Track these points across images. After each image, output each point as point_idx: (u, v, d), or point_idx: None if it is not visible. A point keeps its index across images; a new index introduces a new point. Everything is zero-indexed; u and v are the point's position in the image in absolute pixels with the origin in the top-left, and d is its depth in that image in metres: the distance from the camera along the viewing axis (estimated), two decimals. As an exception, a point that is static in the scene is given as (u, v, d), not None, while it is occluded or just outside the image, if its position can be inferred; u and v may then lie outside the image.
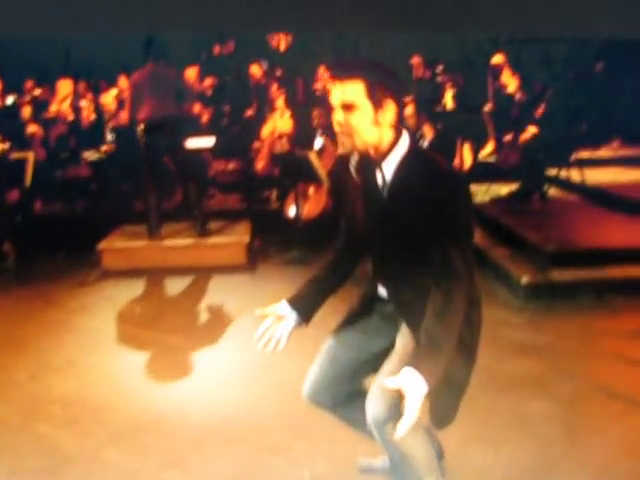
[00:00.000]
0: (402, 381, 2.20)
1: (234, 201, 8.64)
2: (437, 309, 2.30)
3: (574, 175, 8.13)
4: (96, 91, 9.96)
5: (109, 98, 9.43)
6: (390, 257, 2.51)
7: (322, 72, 9.98)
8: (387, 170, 2.43)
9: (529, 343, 4.80)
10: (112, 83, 9.98)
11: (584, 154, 8.54)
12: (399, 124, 2.41)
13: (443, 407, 2.51)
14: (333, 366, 2.73)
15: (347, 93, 2.32)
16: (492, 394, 4.04)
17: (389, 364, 2.53)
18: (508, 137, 8.25)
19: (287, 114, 8.81)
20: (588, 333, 4.94)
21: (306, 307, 2.70)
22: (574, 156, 8.12)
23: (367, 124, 2.34)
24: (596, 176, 8.15)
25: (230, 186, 8.88)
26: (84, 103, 9.35)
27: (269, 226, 7.71)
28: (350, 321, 2.76)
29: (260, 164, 8.70)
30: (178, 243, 7.07)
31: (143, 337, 5.20)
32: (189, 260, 6.93)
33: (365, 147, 2.39)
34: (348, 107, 2.33)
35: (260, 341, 2.64)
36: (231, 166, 9.02)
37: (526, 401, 3.98)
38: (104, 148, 8.46)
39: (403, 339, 2.56)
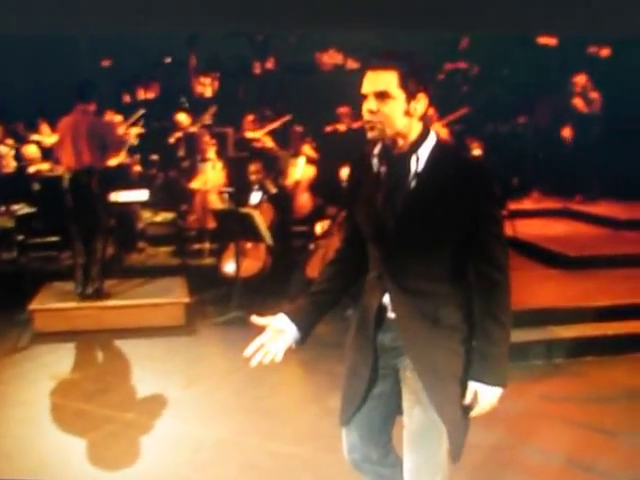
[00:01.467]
0: (477, 399, 2.46)
1: (165, 255, 8.53)
2: (491, 305, 2.44)
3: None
4: (17, 137, 9.65)
5: (31, 146, 9.16)
6: (407, 249, 2.48)
7: (249, 121, 9.99)
8: (420, 159, 2.47)
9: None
10: (33, 128, 9.71)
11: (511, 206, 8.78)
12: (427, 117, 2.51)
13: (461, 438, 2.56)
14: (369, 420, 2.70)
15: (381, 82, 2.40)
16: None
17: (413, 408, 2.54)
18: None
19: (219, 166, 8.78)
20: (530, 395, 5.07)
21: (306, 322, 2.65)
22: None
23: (399, 113, 2.42)
24: (523, 229, 8.37)
25: (160, 239, 8.75)
26: (3, 149, 9.05)
27: (205, 283, 7.59)
28: (359, 361, 2.66)
29: (192, 217, 8.60)
30: (114, 303, 6.90)
31: (90, 413, 5.03)
32: (126, 321, 6.73)
33: (395, 136, 2.45)
34: (382, 96, 2.40)
35: (255, 355, 2.57)
36: (160, 218, 8.94)
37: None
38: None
39: (411, 373, 2.54)
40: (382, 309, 2.57)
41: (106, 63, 12.15)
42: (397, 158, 2.49)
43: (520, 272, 6.71)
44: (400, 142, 2.47)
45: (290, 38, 11.82)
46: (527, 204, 9.71)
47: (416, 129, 2.48)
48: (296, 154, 8.93)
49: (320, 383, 5.45)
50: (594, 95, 9.65)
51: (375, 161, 2.55)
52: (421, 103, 2.45)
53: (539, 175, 10.02)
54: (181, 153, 9.57)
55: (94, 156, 6.75)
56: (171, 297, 6.98)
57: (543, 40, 10.78)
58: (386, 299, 2.55)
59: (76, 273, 6.93)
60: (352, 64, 11.66)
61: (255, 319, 2.64)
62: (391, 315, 2.56)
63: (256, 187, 7.68)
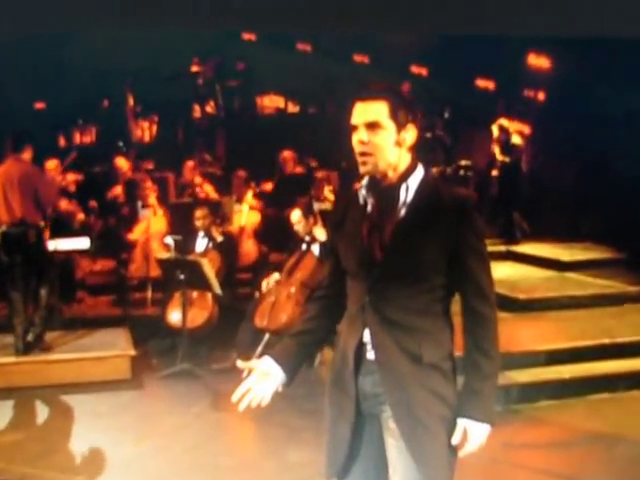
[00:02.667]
0: (467, 437, 2.45)
1: (105, 305, 8.39)
2: (481, 340, 2.48)
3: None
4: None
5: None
6: (393, 279, 2.47)
7: (190, 167, 9.93)
8: (409, 190, 2.49)
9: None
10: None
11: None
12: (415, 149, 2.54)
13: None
14: (362, 471, 2.61)
15: (372, 113, 2.45)
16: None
17: (397, 458, 2.49)
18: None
19: (160, 212, 8.69)
20: (490, 442, 5.07)
21: (291, 364, 2.62)
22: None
23: (390, 144, 2.46)
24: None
25: (100, 288, 8.60)
26: None
27: (149, 333, 7.45)
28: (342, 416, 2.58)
29: (133, 265, 8.47)
30: (56, 357, 6.68)
31: (36, 478, 4.83)
32: (69, 376, 6.52)
33: (386, 168, 2.48)
34: (372, 126, 2.44)
35: (242, 401, 2.53)
36: (100, 267, 8.78)
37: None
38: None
39: (392, 422, 2.48)
40: (361, 348, 2.52)
41: (39, 105, 11.96)
42: (386, 189, 2.52)
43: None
44: (390, 173, 2.50)
45: (230, 81, 11.79)
46: None
47: (405, 160, 2.52)
48: (239, 200, 8.90)
49: (277, 437, 5.37)
50: (516, 141, 9.75)
51: (362, 193, 2.56)
52: (410, 133, 2.50)
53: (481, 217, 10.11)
54: (120, 199, 9.48)
55: (28, 208, 6.60)
56: (116, 349, 6.81)
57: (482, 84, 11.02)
58: (366, 335, 2.51)
59: (15, 328, 6.70)
60: (293, 107, 11.66)
61: (240, 364, 2.63)
62: (370, 355, 2.51)
63: (201, 234, 7.57)
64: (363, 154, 2.47)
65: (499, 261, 8.92)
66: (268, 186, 9.55)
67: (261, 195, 9.17)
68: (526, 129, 9.78)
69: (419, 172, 2.53)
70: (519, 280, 8.25)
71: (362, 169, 2.50)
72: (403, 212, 2.49)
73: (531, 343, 6.42)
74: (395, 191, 2.50)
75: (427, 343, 2.47)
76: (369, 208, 2.54)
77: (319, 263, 6.63)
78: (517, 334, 6.65)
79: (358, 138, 2.47)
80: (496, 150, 9.66)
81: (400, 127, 2.47)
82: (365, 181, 2.56)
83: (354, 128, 2.48)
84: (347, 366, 2.54)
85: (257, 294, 7.09)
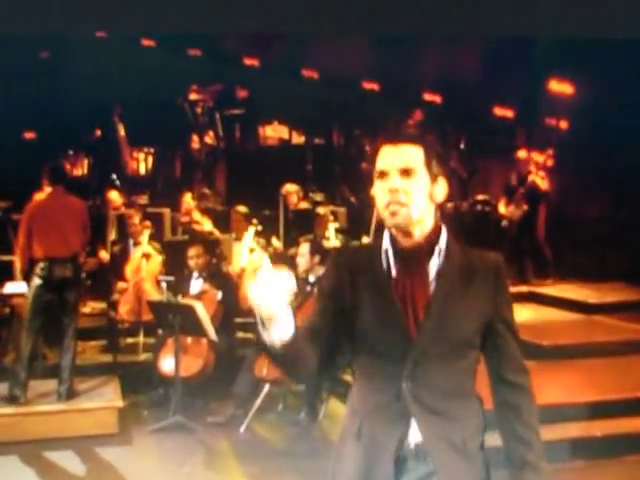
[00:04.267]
0: None
1: (94, 350, 8.22)
2: (528, 416, 2.40)
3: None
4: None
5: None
6: (433, 362, 2.33)
7: (188, 200, 9.81)
8: (440, 255, 2.38)
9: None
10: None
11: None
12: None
13: None
14: None
15: (407, 158, 2.32)
16: None
17: None
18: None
19: (154, 250, 8.50)
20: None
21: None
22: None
23: (424, 195, 2.34)
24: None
25: (89, 332, 8.34)
26: None
27: (140, 383, 7.31)
28: None
29: (124, 308, 8.24)
30: (36, 409, 6.50)
31: None
32: (51, 430, 6.37)
33: (417, 221, 2.33)
34: (407, 173, 2.32)
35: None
36: (89, 309, 8.61)
37: None
38: None
39: None
40: (403, 442, 2.35)
41: (29, 135, 11.93)
42: (414, 251, 2.37)
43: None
44: (417, 232, 2.36)
45: (231, 110, 11.72)
46: None
47: (431, 219, 2.39)
48: (238, 237, 8.74)
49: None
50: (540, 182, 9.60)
51: (388, 254, 2.40)
52: (441, 188, 2.39)
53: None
54: (112, 236, 9.33)
55: (82, 243, 6.80)
56: (102, 401, 6.65)
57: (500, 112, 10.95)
58: (409, 429, 2.35)
59: (17, 375, 6.59)
60: (298, 138, 11.55)
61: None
62: (414, 449, 2.35)
63: (196, 275, 7.43)
64: (395, 203, 2.30)
65: (521, 303, 8.66)
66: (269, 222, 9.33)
67: (263, 233, 8.89)
68: (548, 160, 9.58)
69: (444, 233, 2.41)
70: (543, 324, 8.10)
71: (391, 220, 2.32)
72: (436, 282, 2.36)
73: (557, 396, 6.19)
74: (425, 256, 2.37)
75: (468, 429, 2.39)
76: (394, 273, 2.38)
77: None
78: (541, 385, 6.27)
79: (390, 186, 2.31)
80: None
81: (433, 179, 2.36)
82: (388, 239, 2.40)
83: (382, 175, 2.34)
84: (382, 464, 2.35)
85: (258, 340, 6.87)
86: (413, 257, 2.37)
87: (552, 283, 9.38)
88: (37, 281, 6.56)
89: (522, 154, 9.51)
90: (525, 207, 9.40)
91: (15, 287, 7.30)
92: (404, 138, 2.37)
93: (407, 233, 2.35)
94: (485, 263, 2.40)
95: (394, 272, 2.38)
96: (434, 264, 2.36)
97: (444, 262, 2.36)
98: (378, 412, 2.38)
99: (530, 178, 9.36)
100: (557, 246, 9.57)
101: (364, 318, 2.38)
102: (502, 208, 9.55)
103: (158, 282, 7.70)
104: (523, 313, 8.34)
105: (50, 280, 6.57)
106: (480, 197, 10.28)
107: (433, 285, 2.35)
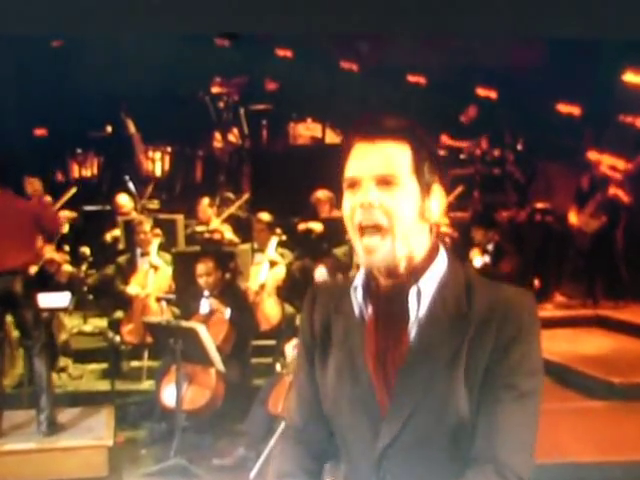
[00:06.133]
0: None
1: (92, 375, 8.02)
2: None
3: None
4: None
5: None
6: (409, 440, 1.88)
7: (204, 206, 9.61)
8: (422, 294, 1.90)
9: None
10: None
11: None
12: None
13: None
14: None
15: (388, 159, 1.86)
16: None
17: None
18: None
19: (164, 262, 8.24)
20: None
21: None
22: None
23: (413, 213, 1.88)
24: (546, 345, 7.68)
25: (89, 354, 8.22)
26: None
27: (141, 414, 7.09)
28: None
29: (127, 327, 7.94)
30: (10, 448, 6.17)
31: None
32: (26, 473, 6.07)
33: (404, 255, 1.88)
34: (387, 181, 1.85)
35: None
36: (91, 327, 8.46)
37: None
38: None
39: None
40: None
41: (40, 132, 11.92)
42: (393, 291, 1.91)
43: (546, 405, 5.89)
44: (403, 268, 1.90)
45: (258, 104, 11.42)
46: (548, 310, 9.10)
47: (424, 245, 1.92)
48: (260, 248, 8.44)
49: None
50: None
51: (357, 295, 1.95)
52: (438, 200, 1.93)
53: (563, 273, 9.60)
54: (120, 246, 9.13)
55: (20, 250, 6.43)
56: (90, 437, 6.34)
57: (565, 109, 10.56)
58: None
59: None
60: (333, 137, 11.17)
61: None
62: None
63: (206, 293, 7.14)
64: (370, 229, 1.85)
65: (585, 329, 8.36)
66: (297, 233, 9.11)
67: (288, 244, 8.67)
68: (621, 164, 9.06)
69: (441, 262, 1.94)
70: (613, 356, 7.59)
71: (366, 259, 1.88)
72: (414, 335, 1.89)
73: (633, 447, 5.61)
74: (403, 297, 1.89)
75: None
76: (367, 319, 1.95)
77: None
78: (612, 432, 5.94)
79: (362, 200, 1.86)
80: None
81: (425, 189, 1.90)
82: (361, 277, 1.96)
83: (352, 184, 1.89)
84: None
85: (278, 367, 6.59)
86: (391, 297, 1.90)
87: (626, 306, 8.92)
88: None
89: (594, 156, 8.96)
90: (604, 218, 9.00)
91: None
92: (383, 131, 1.87)
93: (389, 273, 1.89)
94: (506, 305, 1.89)
95: (367, 317, 1.94)
96: (413, 307, 1.87)
97: (433, 303, 1.88)
98: None
99: (610, 186, 8.96)
100: (633, 264, 9.13)
101: (327, 380, 2.00)
102: (573, 217, 9.06)
103: (158, 300, 7.28)
104: (588, 342, 7.91)
105: None
106: (540, 205, 9.90)
107: (411, 336, 1.88)
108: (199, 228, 9.27)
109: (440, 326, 1.88)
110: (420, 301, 1.89)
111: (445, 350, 1.86)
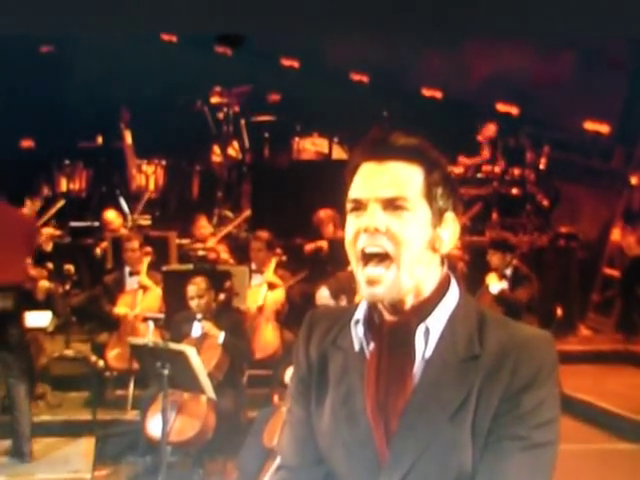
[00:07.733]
0: None
1: (72, 404, 7.89)
2: None
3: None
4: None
5: None
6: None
7: (203, 225, 9.58)
8: (430, 333, 1.87)
9: None
10: None
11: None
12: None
13: None
14: None
15: (397, 180, 1.83)
16: None
17: None
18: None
19: (153, 284, 8.18)
20: None
21: None
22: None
23: (423, 243, 1.85)
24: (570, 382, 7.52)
25: (70, 381, 8.12)
26: None
27: (125, 447, 7.03)
28: None
29: (112, 352, 7.85)
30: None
31: None
32: None
33: (413, 288, 1.85)
34: (395, 204, 1.82)
35: None
36: (74, 352, 8.25)
37: None
38: None
39: None
40: None
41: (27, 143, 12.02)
42: (395, 328, 1.88)
43: (572, 447, 5.88)
44: (409, 304, 1.87)
45: (260, 116, 11.50)
46: (573, 344, 9.13)
47: (433, 278, 1.89)
48: (259, 269, 8.36)
49: None
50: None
51: (358, 330, 1.92)
52: (451, 229, 1.89)
53: (589, 305, 9.64)
54: (108, 264, 9.07)
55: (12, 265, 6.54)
56: (65, 471, 6.43)
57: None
58: None
59: None
60: (340, 152, 11.13)
61: None
62: None
63: (199, 315, 6.99)
64: (374, 257, 1.82)
65: (613, 365, 8.30)
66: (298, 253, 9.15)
67: (288, 265, 8.64)
68: None
69: (452, 297, 1.90)
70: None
71: (368, 290, 1.84)
72: (418, 377, 1.86)
73: None
74: (408, 335, 1.86)
75: None
76: (368, 355, 1.92)
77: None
78: None
79: (366, 224, 1.81)
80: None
81: (437, 216, 1.86)
82: (363, 309, 1.93)
83: (357, 206, 1.85)
84: None
85: (275, 398, 6.44)
86: (400, 336, 1.85)
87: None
88: None
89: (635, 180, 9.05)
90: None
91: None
92: (392, 151, 1.84)
93: (394, 308, 1.86)
94: (522, 348, 1.83)
95: (368, 354, 1.90)
96: (420, 347, 1.84)
97: (445, 344, 1.84)
98: None
99: None
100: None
101: (322, 424, 1.96)
102: (617, 235, 9.06)
103: (145, 319, 7.18)
104: (617, 379, 7.86)
105: None
106: (564, 230, 9.86)
107: (417, 379, 1.84)
108: (195, 246, 9.24)
109: (448, 369, 1.84)
110: (428, 340, 1.86)
111: (452, 395, 1.82)
